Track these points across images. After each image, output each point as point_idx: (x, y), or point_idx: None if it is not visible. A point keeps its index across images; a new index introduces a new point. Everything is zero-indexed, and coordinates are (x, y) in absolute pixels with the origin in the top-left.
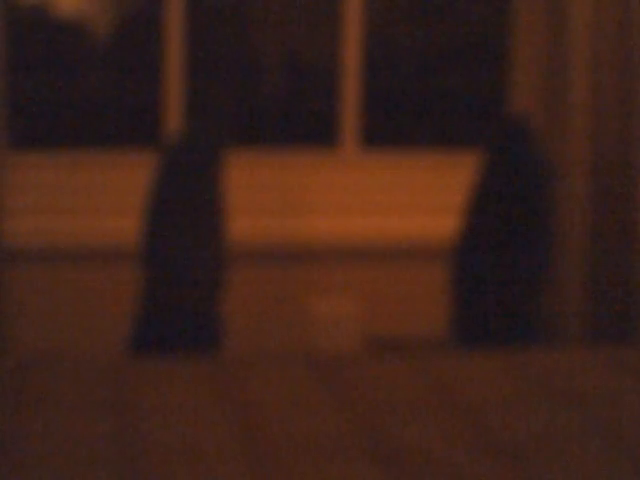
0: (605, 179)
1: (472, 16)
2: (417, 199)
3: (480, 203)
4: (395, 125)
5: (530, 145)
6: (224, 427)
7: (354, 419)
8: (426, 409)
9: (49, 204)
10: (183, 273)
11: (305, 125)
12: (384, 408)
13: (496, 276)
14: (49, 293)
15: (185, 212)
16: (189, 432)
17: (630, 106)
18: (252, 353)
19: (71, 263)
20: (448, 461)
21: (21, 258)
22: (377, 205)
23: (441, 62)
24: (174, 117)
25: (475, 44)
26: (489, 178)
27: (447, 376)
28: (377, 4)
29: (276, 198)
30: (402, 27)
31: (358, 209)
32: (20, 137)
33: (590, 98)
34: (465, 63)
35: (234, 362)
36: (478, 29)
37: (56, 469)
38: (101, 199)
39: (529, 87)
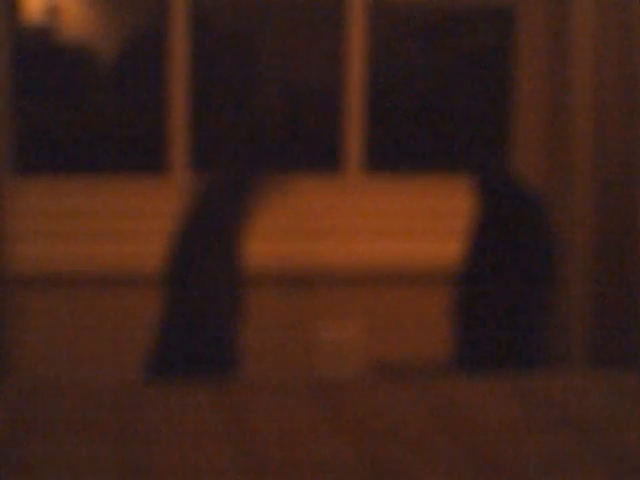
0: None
1: (474, 45)
2: (421, 224)
3: (481, 230)
4: (399, 150)
5: (521, 183)
6: (228, 453)
7: (359, 445)
8: (430, 434)
9: (55, 229)
10: (204, 300)
11: (309, 150)
12: (388, 433)
13: (498, 302)
14: (55, 319)
15: (211, 241)
16: (193, 458)
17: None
18: (257, 378)
19: (77, 289)
20: None
21: (27, 284)
22: (381, 230)
23: (446, 89)
24: (179, 142)
25: (478, 70)
26: (487, 209)
27: (451, 402)
28: (381, 32)
29: (279, 223)
30: (407, 54)
31: (362, 234)
32: (25, 163)
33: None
34: (469, 90)
35: (239, 388)
36: (480, 57)
37: None
38: (106, 224)
39: (534, 107)
